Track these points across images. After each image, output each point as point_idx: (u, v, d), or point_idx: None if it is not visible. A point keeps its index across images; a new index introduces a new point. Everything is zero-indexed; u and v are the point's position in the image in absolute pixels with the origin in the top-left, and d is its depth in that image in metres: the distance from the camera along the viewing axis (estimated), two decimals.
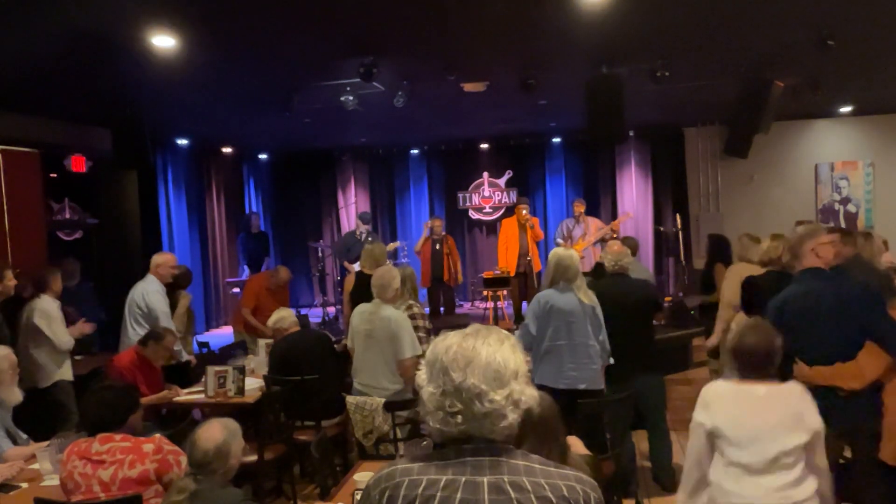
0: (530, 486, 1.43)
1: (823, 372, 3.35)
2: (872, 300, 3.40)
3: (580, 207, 9.78)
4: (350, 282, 6.36)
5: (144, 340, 5.17)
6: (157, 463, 3.02)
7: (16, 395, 4.04)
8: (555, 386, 4.30)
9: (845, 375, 3.32)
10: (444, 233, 9.86)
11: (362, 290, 5.68)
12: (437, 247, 9.72)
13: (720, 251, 6.82)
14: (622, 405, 4.25)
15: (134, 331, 5.80)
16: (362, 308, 4.82)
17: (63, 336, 5.55)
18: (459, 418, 1.44)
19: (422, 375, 1.51)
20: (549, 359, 4.47)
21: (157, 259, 6.08)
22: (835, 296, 3.40)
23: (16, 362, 4.08)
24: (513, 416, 1.46)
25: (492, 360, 1.46)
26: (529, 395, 1.49)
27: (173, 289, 6.24)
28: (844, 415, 3.33)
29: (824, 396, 3.31)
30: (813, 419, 2.76)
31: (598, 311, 4.52)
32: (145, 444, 3.06)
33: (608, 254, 4.91)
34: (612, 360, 4.62)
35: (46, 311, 5.52)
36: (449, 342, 1.50)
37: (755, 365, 2.82)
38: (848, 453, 3.61)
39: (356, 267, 7.68)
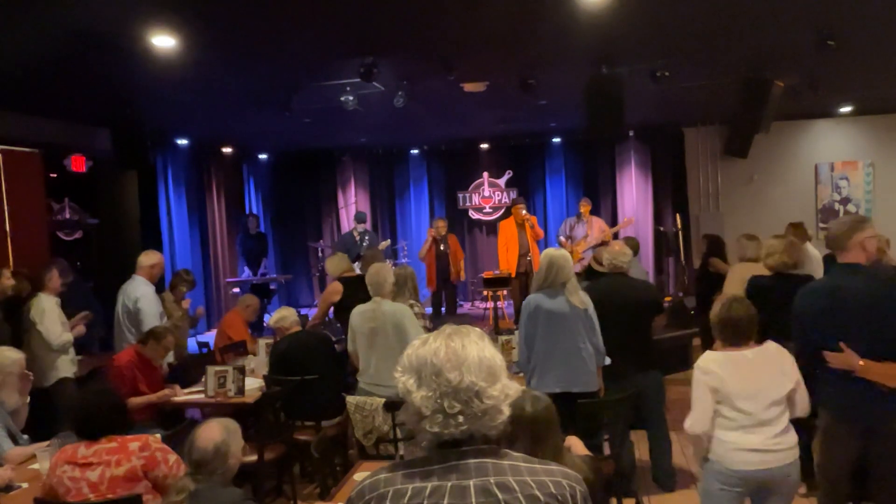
0: (517, 486, 1.43)
1: (875, 367, 3.17)
2: None
3: (585, 207, 9.77)
4: (337, 291, 6.13)
5: (144, 339, 5.17)
6: (144, 460, 3.04)
7: (16, 400, 4.04)
8: (550, 391, 4.14)
9: (889, 375, 3.17)
10: (445, 232, 9.87)
11: (349, 296, 5.74)
12: (442, 247, 9.73)
13: (715, 249, 7.10)
14: (622, 405, 4.24)
15: (130, 332, 5.84)
16: (362, 308, 4.83)
17: (54, 332, 5.46)
18: (461, 418, 1.43)
19: (409, 381, 1.47)
20: (542, 363, 4.41)
21: (151, 259, 6.07)
22: (868, 293, 3.26)
23: (24, 368, 4.08)
24: (507, 411, 1.48)
25: (482, 356, 1.47)
26: (515, 389, 1.51)
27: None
28: (865, 412, 3.24)
29: (846, 392, 3.27)
30: (793, 371, 3.18)
31: (592, 312, 4.44)
32: (131, 442, 3.10)
33: (606, 253, 4.89)
34: (608, 361, 4.60)
35: (41, 307, 5.50)
36: (434, 345, 1.48)
37: (741, 332, 3.20)
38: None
39: (356, 267, 7.68)
